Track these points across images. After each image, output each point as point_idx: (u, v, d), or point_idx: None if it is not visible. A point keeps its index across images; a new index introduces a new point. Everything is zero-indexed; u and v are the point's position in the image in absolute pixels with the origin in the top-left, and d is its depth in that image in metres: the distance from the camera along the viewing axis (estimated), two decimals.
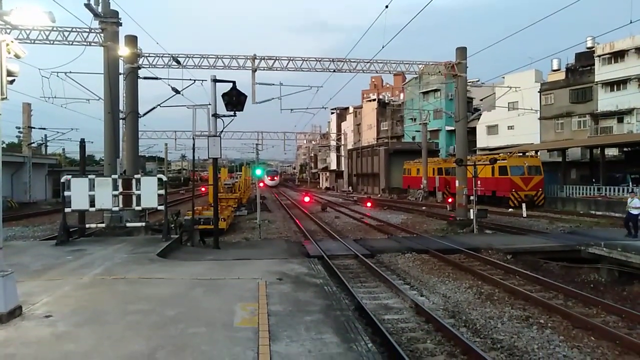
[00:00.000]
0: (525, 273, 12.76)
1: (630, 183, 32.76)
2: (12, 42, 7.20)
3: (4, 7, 7.31)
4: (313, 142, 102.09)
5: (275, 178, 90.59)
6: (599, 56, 43.23)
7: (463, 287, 11.78)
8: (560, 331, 8.62)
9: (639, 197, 17.15)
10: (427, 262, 14.69)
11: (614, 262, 13.61)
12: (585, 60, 47.72)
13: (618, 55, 41.85)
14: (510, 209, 30.47)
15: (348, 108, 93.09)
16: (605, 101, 42.81)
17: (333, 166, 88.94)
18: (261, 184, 23.60)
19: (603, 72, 42.84)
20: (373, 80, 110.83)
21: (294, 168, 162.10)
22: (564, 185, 36.63)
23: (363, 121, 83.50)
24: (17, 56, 7.39)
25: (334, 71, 22.35)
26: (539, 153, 38.63)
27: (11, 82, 7.27)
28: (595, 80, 43.53)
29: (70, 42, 17.89)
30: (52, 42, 17.91)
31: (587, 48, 47.20)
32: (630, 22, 16.80)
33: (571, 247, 15.67)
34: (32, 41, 17.70)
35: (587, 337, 8.32)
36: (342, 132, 79.83)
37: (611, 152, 41.43)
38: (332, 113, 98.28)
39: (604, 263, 13.94)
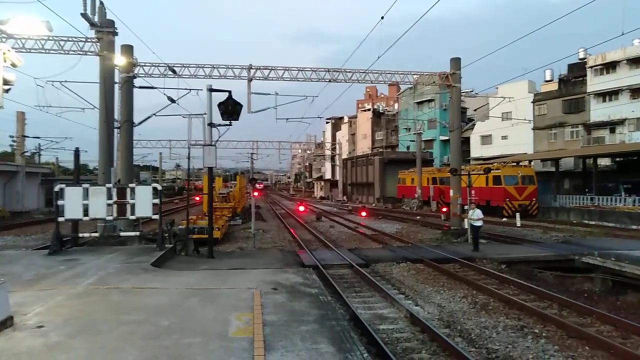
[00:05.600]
0: (519, 282, 12.77)
1: (623, 193, 33.02)
2: (8, 51, 7.22)
3: (1, 17, 7.33)
4: (308, 152, 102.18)
5: (261, 185, 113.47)
6: (591, 67, 43.74)
7: (458, 296, 11.78)
8: (555, 341, 8.62)
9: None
10: (422, 272, 14.68)
11: (608, 272, 13.69)
12: (577, 71, 48.27)
13: (610, 67, 42.36)
14: (504, 219, 30.58)
15: (343, 118, 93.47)
16: (598, 111, 43.24)
17: (328, 175, 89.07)
18: (255, 194, 23.55)
19: (595, 82, 43.32)
20: (368, 90, 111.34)
21: (289, 177, 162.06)
22: (557, 194, 36.86)
23: (358, 131, 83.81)
24: (13, 65, 7.40)
25: (330, 81, 22.47)
26: (532, 163, 38.89)
27: (7, 90, 7.28)
28: (588, 91, 44.00)
29: (66, 52, 17.91)
30: (47, 51, 17.92)
31: (580, 59, 47.80)
32: (622, 34, 17.05)
33: (565, 256, 15.74)
34: (28, 50, 17.69)
35: (582, 346, 8.33)
36: (337, 141, 79.98)
37: (604, 162, 41.80)
38: (327, 123, 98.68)
39: (598, 272, 14.01)
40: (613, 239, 21.17)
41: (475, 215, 17.14)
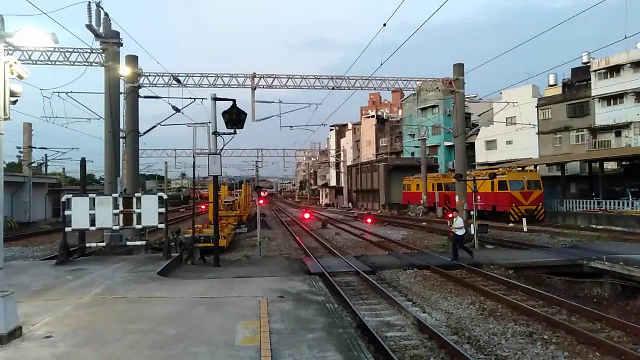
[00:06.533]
0: (528, 288, 12.66)
1: (630, 196, 32.76)
2: (15, 63, 7.29)
3: (7, 29, 7.41)
4: (313, 159, 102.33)
5: (267, 193, 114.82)
6: (595, 71, 43.63)
7: (466, 303, 11.69)
8: (565, 347, 8.53)
9: (461, 217, 16.76)
10: (429, 279, 14.60)
11: (617, 277, 13.54)
12: (581, 76, 48.15)
13: (614, 70, 42.25)
14: (511, 224, 30.41)
15: (347, 125, 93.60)
16: (603, 115, 43.07)
17: (333, 183, 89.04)
18: (261, 202, 23.56)
19: (599, 87, 43.19)
20: (371, 97, 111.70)
21: (294, 185, 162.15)
22: (564, 199, 36.62)
23: (362, 138, 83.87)
24: (20, 77, 7.46)
25: (333, 89, 22.57)
26: (538, 168, 38.72)
27: (14, 102, 7.33)
28: (592, 95, 43.85)
29: (72, 63, 18.11)
30: (53, 62, 18.13)
31: (583, 63, 47.68)
32: (625, 38, 17.12)
33: (573, 261, 15.60)
34: (34, 62, 17.93)
35: (592, 352, 8.23)
36: (342, 148, 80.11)
37: (610, 166, 41.54)
38: (332, 130, 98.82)
39: (607, 277, 13.87)
40: (621, 243, 20.98)
41: (457, 224, 16.83)
